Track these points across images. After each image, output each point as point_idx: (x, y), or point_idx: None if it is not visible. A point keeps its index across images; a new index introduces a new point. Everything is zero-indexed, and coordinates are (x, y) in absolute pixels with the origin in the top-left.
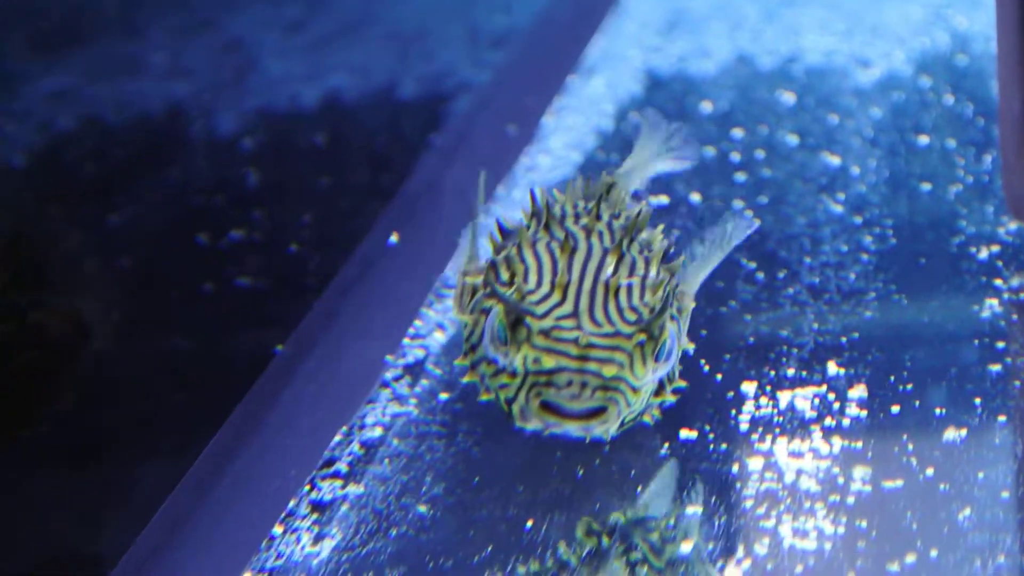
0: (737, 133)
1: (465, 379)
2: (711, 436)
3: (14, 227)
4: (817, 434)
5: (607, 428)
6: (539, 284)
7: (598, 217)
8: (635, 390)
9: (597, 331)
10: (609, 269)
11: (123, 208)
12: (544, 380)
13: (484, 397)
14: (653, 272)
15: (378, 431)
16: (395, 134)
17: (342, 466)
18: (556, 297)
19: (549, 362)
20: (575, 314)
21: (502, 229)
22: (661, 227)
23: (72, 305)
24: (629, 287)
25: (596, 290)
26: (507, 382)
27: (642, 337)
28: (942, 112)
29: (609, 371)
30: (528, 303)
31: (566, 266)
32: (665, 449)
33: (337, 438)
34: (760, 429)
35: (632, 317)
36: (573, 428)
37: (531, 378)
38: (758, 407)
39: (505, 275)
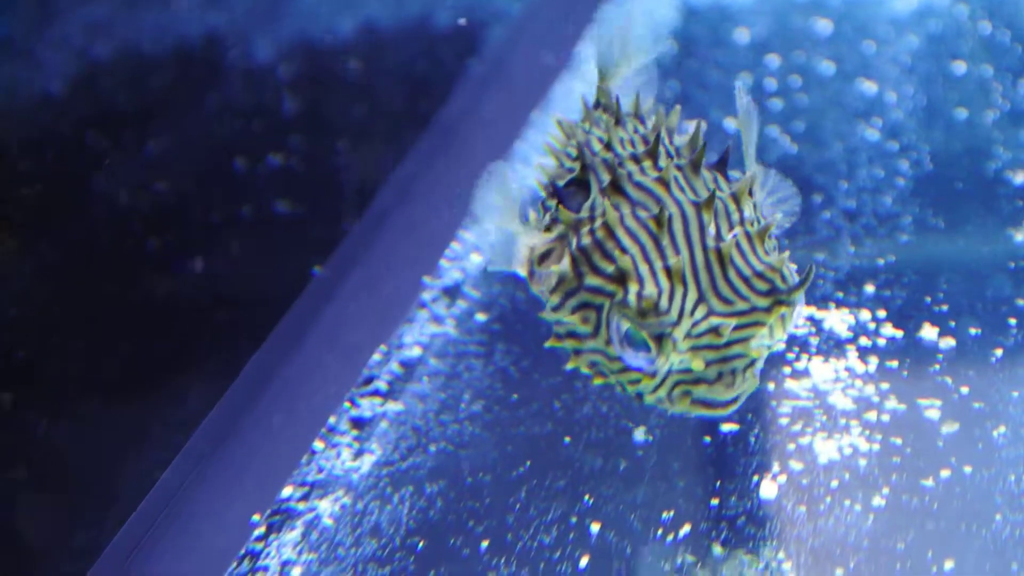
0: (773, 60)
1: (569, 365)
2: None
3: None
4: (853, 354)
5: None
6: (654, 276)
7: (657, 155)
8: (769, 348)
9: (730, 309)
10: (711, 229)
11: (161, 136)
12: (690, 378)
13: (597, 381)
14: (746, 209)
15: (416, 350)
16: (431, 62)
17: (381, 384)
18: (679, 288)
19: (698, 365)
20: (702, 298)
21: (557, 189)
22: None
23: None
24: (738, 245)
25: (710, 262)
26: (645, 381)
27: (783, 311)
28: (979, 40)
29: (754, 351)
30: (661, 311)
31: (670, 244)
32: None
33: (376, 357)
34: (796, 349)
35: (763, 287)
36: (723, 413)
37: (675, 376)
38: (795, 327)
39: (606, 265)
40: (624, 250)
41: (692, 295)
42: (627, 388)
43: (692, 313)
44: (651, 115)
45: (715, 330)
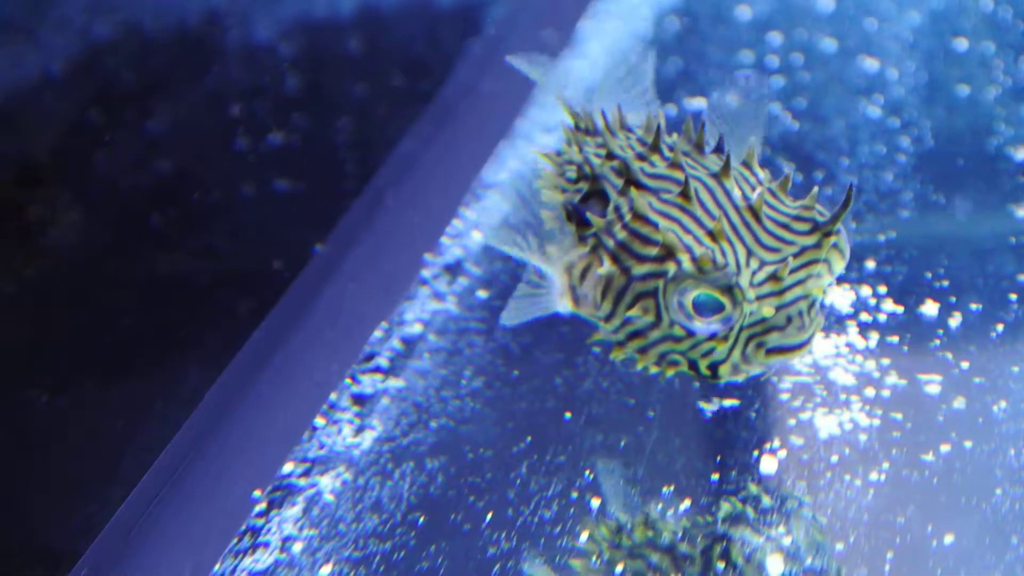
0: (775, 38)
1: (638, 366)
2: None
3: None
4: (854, 329)
5: None
6: (699, 242)
7: (660, 149)
8: (831, 282)
9: (780, 256)
10: (736, 192)
11: (162, 114)
12: (761, 329)
13: (669, 372)
14: (760, 173)
15: (417, 327)
16: (432, 40)
17: (382, 360)
18: (727, 248)
19: (769, 312)
20: (751, 253)
21: (574, 208)
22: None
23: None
24: (766, 200)
25: (746, 220)
26: (719, 348)
27: (832, 240)
28: (981, 16)
29: (815, 289)
30: (720, 265)
31: (704, 214)
32: None
33: (377, 334)
34: None
35: (804, 227)
36: (798, 356)
37: (745, 332)
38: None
39: (649, 250)
40: (669, 231)
41: (741, 251)
42: (700, 365)
43: (747, 265)
44: (638, 125)
45: (774, 276)
